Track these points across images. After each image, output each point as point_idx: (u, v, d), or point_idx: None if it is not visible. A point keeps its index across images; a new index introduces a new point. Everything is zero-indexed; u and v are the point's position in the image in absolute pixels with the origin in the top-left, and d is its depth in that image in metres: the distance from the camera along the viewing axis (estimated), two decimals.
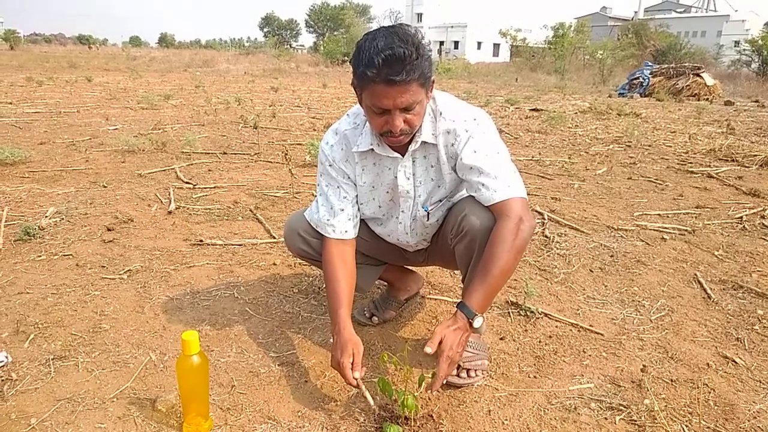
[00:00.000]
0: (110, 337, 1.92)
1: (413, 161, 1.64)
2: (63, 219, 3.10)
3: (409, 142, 1.59)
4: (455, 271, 2.45)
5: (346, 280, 1.67)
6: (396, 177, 1.65)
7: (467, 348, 1.71)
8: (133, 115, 7.35)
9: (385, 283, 2.17)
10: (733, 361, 1.87)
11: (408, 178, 1.66)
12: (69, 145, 5.20)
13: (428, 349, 1.42)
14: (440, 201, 1.70)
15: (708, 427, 1.52)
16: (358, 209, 1.77)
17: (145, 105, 8.32)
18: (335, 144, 1.71)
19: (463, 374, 1.68)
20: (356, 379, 1.49)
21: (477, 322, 1.47)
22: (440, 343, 1.43)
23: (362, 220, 1.82)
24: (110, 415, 1.52)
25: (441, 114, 1.58)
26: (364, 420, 1.53)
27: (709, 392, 1.69)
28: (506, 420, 1.55)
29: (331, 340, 1.61)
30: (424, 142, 1.60)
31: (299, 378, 1.73)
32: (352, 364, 1.50)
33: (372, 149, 1.63)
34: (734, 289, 2.44)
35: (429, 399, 1.62)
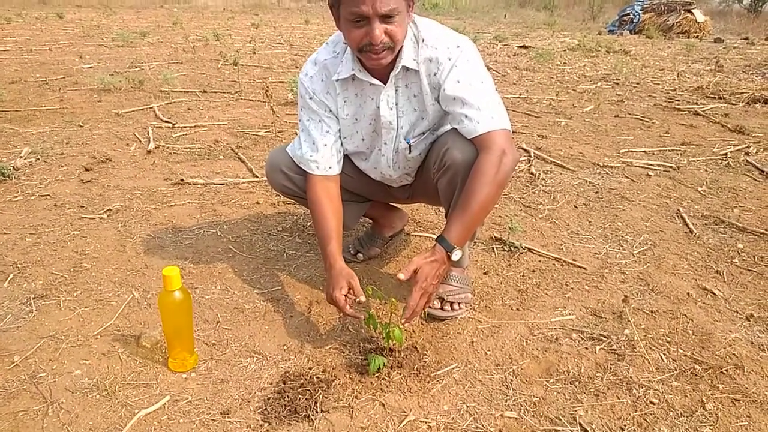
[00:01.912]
0: (92, 276, 1.90)
1: (396, 90, 1.58)
2: (39, 159, 3.02)
3: (391, 69, 1.53)
4: (440, 208, 2.44)
5: (334, 216, 1.64)
6: (378, 107, 1.60)
7: (451, 282, 1.72)
8: (108, 53, 7.06)
9: (370, 221, 2.15)
10: (712, 292, 1.91)
11: (391, 108, 1.60)
12: (42, 84, 5.00)
13: (401, 275, 1.41)
14: (423, 134, 1.65)
15: (685, 355, 1.56)
16: (341, 144, 1.72)
17: (120, 42, 7.99)
18: (315, 75, 1.64)
19: (447, 307, 1.69)
20: (357, 302, 1.46)
21: (455, 255, 1.46)
22: (416, 272, 1.43)
23: (346, 156, 1.78)
24: (94, 352, 1.52)
25: (423, 41, 1.52)
26: (350, 352, 1.54)
27: (688, 322, 1.73)
28: (489, 350, 1.57)
29: (317, 274, 1.60)
30: (405, 68, 1.54)
31: (285, 313, 1.73)
32: (351, 292, 1.48)
33: (353, 75, 1.56)
34: (716, 224, 2.46)
35: (413, 331, 1.64)
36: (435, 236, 2.25)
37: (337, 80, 1.60)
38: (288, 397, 1.36)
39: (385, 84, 1.56)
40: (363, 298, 1.47)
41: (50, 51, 7.05)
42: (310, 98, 1.65)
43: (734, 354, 1.57)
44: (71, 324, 1.64)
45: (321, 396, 1.36)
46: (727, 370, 1.50)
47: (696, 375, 1.48)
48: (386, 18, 1.36)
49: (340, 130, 1.70)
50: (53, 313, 1.69)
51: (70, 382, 1.40)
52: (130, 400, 1.35)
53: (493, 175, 1.43)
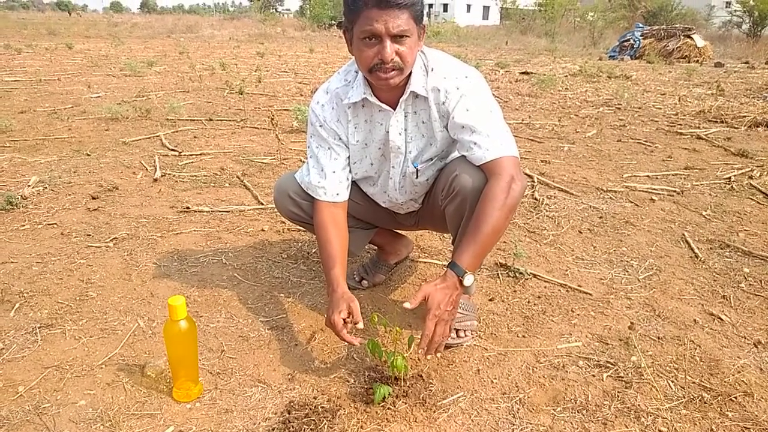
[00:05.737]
0: (97, 305, 1.91)
1: (405, 116, 1.61)
2: (46, 188, 3.05)
3: (400, 95, 1.56)
4: (445, 235, 2.45)
5: (339, 241, 1.65)
6: (388, 132, 1.62)
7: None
8: (116, 83, 7.18)
9: (375, 247, 2.16)
10: (719, 318, 1.90)
11: (400, 134, 1.63)
12: (50, 113, 5.08)
13: (407, 305, 1.39)
14: (431, 159, 1.67)
15: (693, 382, 1.55)
16: (350, 170, 1.74)
17: (128, 72, 8.13)
18: (326, 103, 1.67)
19: (453, 334, 1.68)
20: (356, 328, 1.45)
21: (468, 281, 1.46)
22: (426, 300, 1.42)
23: (354, 183, 1.80)
24: (99, 382, 1.51)
25: (432, 70, 1.55)
26: (354, 381, 1.53)
27: (695, 348, 1.71)
28: (495, 379, 1.56)
29: (322, 302, 1.60)
30: (415, 95, 1.56)
31: (289, 342, 1.73)
32: (350, 318, 1.47)
33: (365, 99, 1.59)
34: (721, 248, 2.46)
35: (418, 359, 1.63)
36: (440, 262, 2.28)
37: (348, 106, 1.62)
38: (293, 427, 1.34)
39: (394, 109, 1.59)
40: (361, 325, 1.46)
41: (59, 81, 7.18)
42: (321, 126, 1.67)
43: (743, 381, 1.55)
44: (76, 353, 1.64)
45: (326, 426, 1.35)
46: (736, 398, 1.48)
47: (705, 402, 1.46)
48: (397, 38, 1.40)
49: (349, 157, 1.72)
50: (58, 342, 1.69)
51: (74, 413, 1.40)
52: (134, 430, 1.34)
53: (503, 200, 1.44)
